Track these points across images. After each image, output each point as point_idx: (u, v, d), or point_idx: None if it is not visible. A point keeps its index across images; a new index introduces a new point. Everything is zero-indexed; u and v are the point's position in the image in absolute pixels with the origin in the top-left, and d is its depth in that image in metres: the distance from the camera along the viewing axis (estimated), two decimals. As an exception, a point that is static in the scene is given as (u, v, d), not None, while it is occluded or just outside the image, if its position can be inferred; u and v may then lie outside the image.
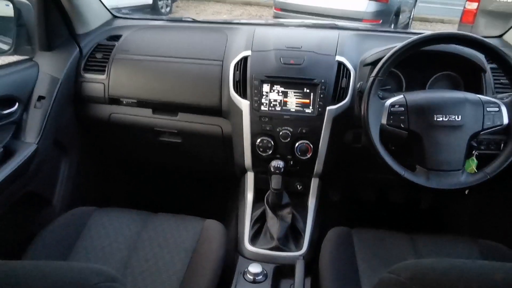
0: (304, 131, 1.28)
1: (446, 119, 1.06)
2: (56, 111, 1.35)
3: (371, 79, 1.10)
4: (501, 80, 1.27)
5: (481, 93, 1.24)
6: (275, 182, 1.23)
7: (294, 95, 1.28)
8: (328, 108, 1.27)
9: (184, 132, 1.47)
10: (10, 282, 0.52)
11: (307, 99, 1.28)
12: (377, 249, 1.14)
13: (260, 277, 1.13)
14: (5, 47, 1.38)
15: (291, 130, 1.28)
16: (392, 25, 6.02)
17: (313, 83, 1.27)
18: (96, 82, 1.44)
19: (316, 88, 1.27)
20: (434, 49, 1.16)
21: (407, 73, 1.34)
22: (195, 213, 1.26)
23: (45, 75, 1.35)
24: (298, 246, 1.27)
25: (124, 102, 1.44)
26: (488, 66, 1.27)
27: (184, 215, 1.25)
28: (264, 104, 1.29)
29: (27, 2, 1.45)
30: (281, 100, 1.29)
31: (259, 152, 1.31)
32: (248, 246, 1.26)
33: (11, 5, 1.36)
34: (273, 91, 1.29)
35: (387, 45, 1.27)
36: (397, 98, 1.12)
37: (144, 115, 1.46)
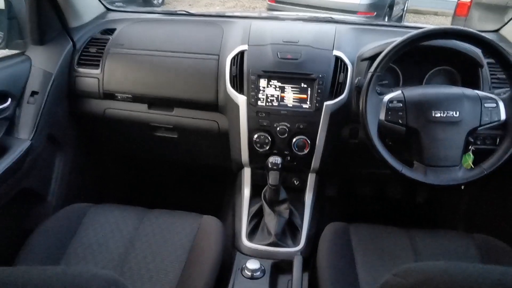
0: (301, 126, 1.28)
1: (444, 115, 1.07)
2: (50, 107, 1.33)
3: (369, 75, 1.09)
4: (498, 75, 1.27)
5: (478, 88, 1.24)
6: (272, 178, 1.22)
7: (292, 90, 1.28)
8: (325, 103, 1.26)
9: (180, 127, 1.46)
10: None
11: (305, 94, 1.27)
12: (374, 245, 1.15)
13: (258, 273, 1.13)
14: (-4, 40, 1.36)
15: (288, 125, 1.27)
16: (386, 18, 6.03)
17: (311, 78, 1.26)
18: (90, 77, 1.42)
19: (314, 83, 1.26)
20: (432, 44, 1.16)
21: (404, 67, 1.34)
22: (192, 209, 1.25)
23: (38, 69, 1.33)
24: (296, 242, 1.27)
25: (119, 97, 1.42)
26: (485, 61, 1.27)
27: (181, 211, 1.24)
28: (261, 99, 1.28)
29: (19, -6, 1.42)
30: (278, 95, 1.28)
31: (256, 147, 1.30)
32: (245, 242, 1.26)
33: (2, -2, 1.34)
34: (270, 86, 1.28)
35: (384, 40, 1.26)
36: (395, 94, 1.11)
37: (140, 110, 1.44)
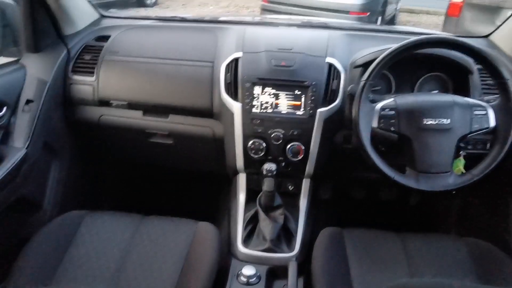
0: (295, 133, 1.29)
1: (435, 123, 1.09)
2: (45, 115, 1.33)
3: (361, 83, 1.11)
4: (488, 81, 1.29)
5: (469, 94, 1.26)
6: (267, 184, 1.24)
7: (286, 97, 1.29)
8: (319, 110, 1.28)
9: (175, 133, 1.47)
10: None
11: (298, 101, 1.29)
12: (367, 249, 1.17)
13: (254, 279, 1.15)
14: (-10, 48, 1.36)
15: (283, 132, 1.29)
16: (379, 17, 6.05)
17: (304, 85, 1.27)
18: (85, 84, 1.42)
19: (307, 90, 1.28)
20: (423, 51, 1.18)
21: (396, 74, 1.36)
22: (187, 214, 1.26)
23: (32, 77, 1.33)
24: (291, 247, 1.29)
25: (114, 104, 1.43)
26: (475, 68, 1.29)
27: (177, 217, 1.25)
28: (256, 106, 1.29)
29: (12, 2, 1.42)
30: (272, 102, 1.29)
31: (251, 154, 1.32)
32: (241, 248, 1.28)
33: (-6, 6, 1.34)
34: (265, 93, 1.29)
35: (376, 46, 1.28)
36: (388, 101, 1.13)
37: (135, 117, 1.45)
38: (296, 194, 1.42)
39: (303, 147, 1.30)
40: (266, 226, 1.29)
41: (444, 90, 1.36)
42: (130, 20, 1.72)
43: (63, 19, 1.45)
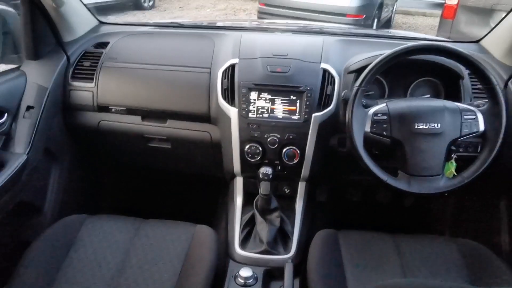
0: (291, 137, 1.32)
1: (426, 127, 1.12)
2: (45, 121, 1.36)
3: (355, 89, 1.14)
4: (479, 86, 1.33)
5: (460, 99, 1.29)
6: (264, 188, 1.26)
7: (281, 102, 1.32)
8: (314, 114, 1.31)
9: (173, 138, 1.49)
10: None
11: (294, 106, 1.32)
12: (362, 251, 1.19)
13: (251, 280, 1.17)
14: (-10, 56, 1.38)
15: (279, 136, 1.32)
16: (375, 19, 6.09)
17: (299, 90, 1.30)
18: (84, 90, 1.45)
19: (302, 96, 1.30)
20: (415, 57, 1.21)
21: (389, 79, 1.39)
22: (185, 217, 1.29)
23: (33, 84, 1.35)
24: (287, 249, 1.32)
25: (113, 109, 1.45)
26: (465, 73, 1.32)
27: (175, 221, 1.27)
28: (252, 111, 1.32)
29: (13, 10, 1.44)
30: (268, 107, 1.32)
31: (248, 158, 1.34)
32: (238, 250, 1.30)
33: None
34: (261, 98, 1.32)
35: (370, 52, 1.31)
36: (380, 106, 1.16)
37: (133, 122, 1.48)
38: (292, 197, 1.45)
39: (298, 151, 1.33)
40: (262, 229, 1.32)
41: (436, 94, 1.39)
42: (128, 26, 1.75)
43: (63, 26, 1.47)
